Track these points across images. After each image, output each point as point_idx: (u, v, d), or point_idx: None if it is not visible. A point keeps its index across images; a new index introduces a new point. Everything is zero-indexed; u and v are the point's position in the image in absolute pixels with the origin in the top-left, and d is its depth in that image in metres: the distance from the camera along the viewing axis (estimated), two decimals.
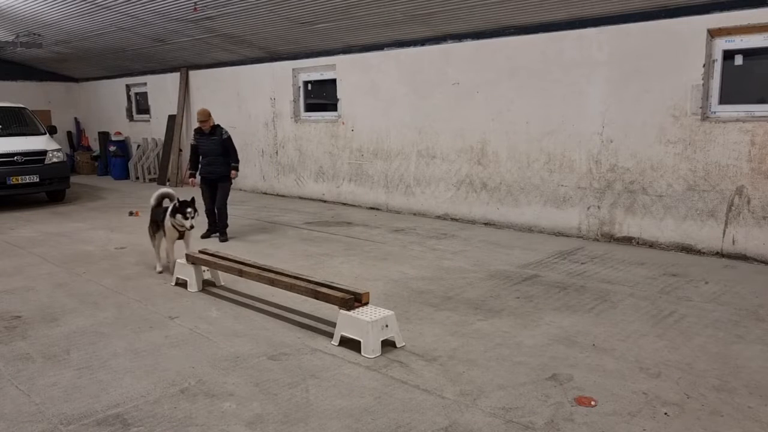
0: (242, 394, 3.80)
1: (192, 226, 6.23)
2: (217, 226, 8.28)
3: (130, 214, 10.42)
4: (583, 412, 3.52)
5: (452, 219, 9.54)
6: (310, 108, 11.98)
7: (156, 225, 6.68)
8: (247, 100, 12.95)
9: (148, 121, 15.86)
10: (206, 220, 8.37)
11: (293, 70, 11.83)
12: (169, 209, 6.29)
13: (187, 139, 14.49)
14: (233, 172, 8.27)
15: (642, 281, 6.11)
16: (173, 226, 6.27)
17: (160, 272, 6.61)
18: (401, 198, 10.24)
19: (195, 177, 8.33)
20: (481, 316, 5.14)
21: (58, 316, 5.30)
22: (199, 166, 8.25)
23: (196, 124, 8.25)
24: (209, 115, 8.10)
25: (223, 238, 8.19)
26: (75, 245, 8.12)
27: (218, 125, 8.23)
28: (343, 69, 10.92)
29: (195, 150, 8.25)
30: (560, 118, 8.12)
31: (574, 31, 7.84)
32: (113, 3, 9.98)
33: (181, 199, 6.26)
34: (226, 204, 8.30)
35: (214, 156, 8.11)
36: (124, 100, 16.64)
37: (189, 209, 6.17)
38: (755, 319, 4.99)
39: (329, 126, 11.33)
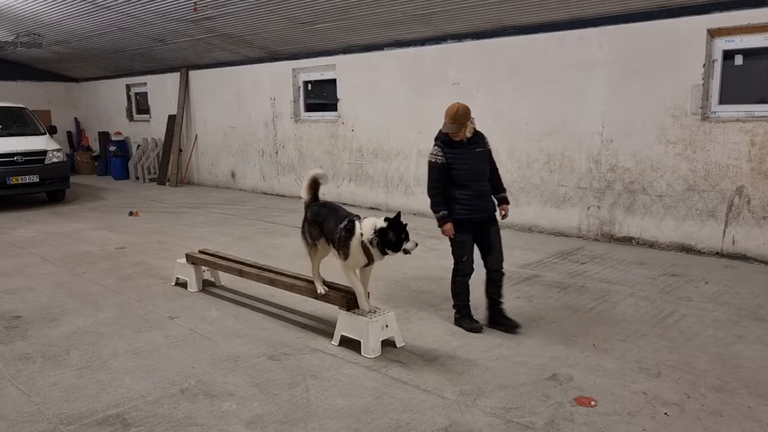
0: (242, 394, 3.79)
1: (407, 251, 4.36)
2: (497, 303, 4.89)
3: (130, 214, 10.42)
4: (583, 412, 3.52)
5: None
6: (310, 108, 11.98)
7: (310, 226, 4.75)
8: (247, 100, 12.95)
9: (148, 121, 15.85)
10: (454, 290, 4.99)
11: (293, 70, 11.83)
12: (364, 232, 4.33)
13: (187, 139, 14.52)
14: (506, 207, 4.96)
15: (642, 281, 6.10)
16: (364, 251, 4.35)
17: (323, 294, 4.71)
18: (401, 198, 10.23)
19: (451, 222, 4.72)
20: (481, 316, 5.12)
21: (58, 316, 5.30)
22: (454, 199, 4.74)
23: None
24: (468, 114, 4.61)
25: (512, 322, 4.80)
26: (75, 245, 8.12)
27: (475, 129, 4.77)
28: (343, 69, 10.92)
29: (445, 173, 4.69)
30: (560, 118, 8.12)
31: (574, 31, 7.84)
32: (113, 3, 9.98)
33: (388, 218, 4.34)
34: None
35: (484, 181, 4.79)
36: (124, 100, 16.64)
37: (405, 236, 4.33)
38: (755, 319, 4.99)
39: (329, 126, 11.33)
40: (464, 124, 4.60)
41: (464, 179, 4.68)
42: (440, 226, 4.74)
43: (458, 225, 4.72)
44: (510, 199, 5.11)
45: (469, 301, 4.94)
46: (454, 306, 4.99)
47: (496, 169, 4.93)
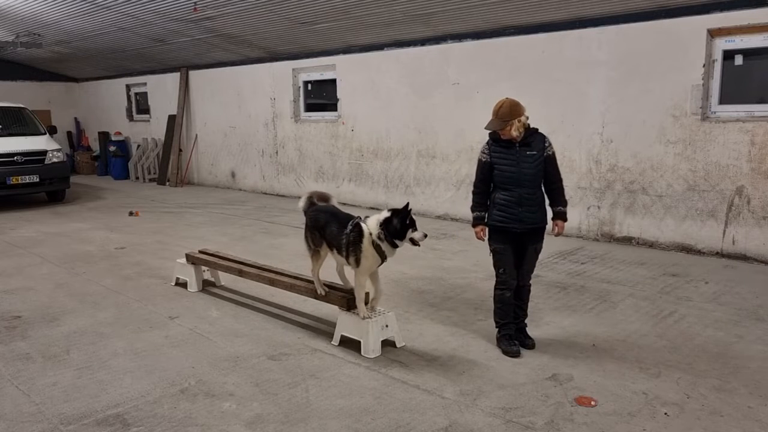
0: (242, 394, 3.80)
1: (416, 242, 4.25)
2: (517, 318, 4.53)
3: (130, 214, 10.42)
4: (583, 412, 3.52)
5: (452, 219, 9.53)
6: (310, 108, 11.98)
7: (311, 233, 4.68)
8: (247, 100, 12.95)
9: (148, 121, 15.85)
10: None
11: (293, 70, 11.83)
12: (372, 230, 4.25)
13: (187, 139, 14.53)
14: (559, 223, 4.43)
15: (642, 281, 6.10)
16: (376, 249, 4.26)
17: (323, 295, 4.71)
18: (401, 198, 10.23)
19: (485, 225, 4.47)
20: (481, 316, 5.14)
21: (58, 316, 5.30)
22: (494, 203, 4.38)
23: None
24: (516, 110, 4.31)
25: (529, 341, 4.51)
26: (75, 245, 8.12)
27: (536, 130, 4.41)
28: (343, 69, 10.92)
29: (488, 173, 4.38)
30: (560, 117, 8.11)
31: (574, 31, 7.84)
32: (113, 3, 9.98)
33: (392, 209, 4.29)
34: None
35: (530, 188, 4.28)
36: (124, 100, 16.64)
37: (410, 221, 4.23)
38: (755, 319, 4.99)
39: (329, 126, 11.33)
40: (509, 122, 4.21)
41: (505, 182, 4.27)
42: (473, 226, 4.53)
43: (494, 233, 4.40)
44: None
45: (510, 319, 4.46)
46: (495, 322, 4.56)
47: (558, 180, 4.38)
